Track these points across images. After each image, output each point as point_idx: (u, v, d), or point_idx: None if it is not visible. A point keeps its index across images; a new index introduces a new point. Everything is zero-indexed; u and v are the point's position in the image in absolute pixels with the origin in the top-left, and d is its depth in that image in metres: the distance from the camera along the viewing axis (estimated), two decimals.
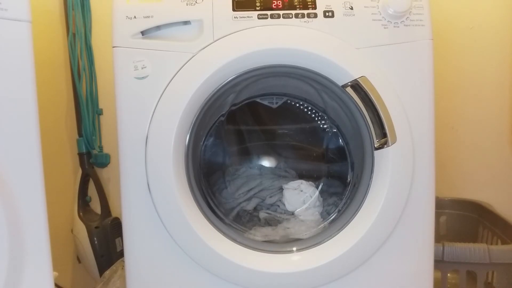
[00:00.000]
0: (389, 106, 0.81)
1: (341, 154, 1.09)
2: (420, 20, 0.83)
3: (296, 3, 0.83)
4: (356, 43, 0.83)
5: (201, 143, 1.05)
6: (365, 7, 0.83)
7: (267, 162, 1.15)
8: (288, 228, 0.99)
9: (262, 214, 1.04)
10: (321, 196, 1.06)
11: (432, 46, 0.84)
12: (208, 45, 0.82)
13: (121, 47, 0.82)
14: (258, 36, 0.82)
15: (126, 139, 0.83)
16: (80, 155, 1.28)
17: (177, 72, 0.81)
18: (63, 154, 1.28)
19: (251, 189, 1.07)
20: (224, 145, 1.12)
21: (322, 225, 0.97)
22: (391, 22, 0.83)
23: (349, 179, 1.04)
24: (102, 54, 1.30)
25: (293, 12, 0.83)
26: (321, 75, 0.84)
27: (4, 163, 0.64)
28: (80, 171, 1.28)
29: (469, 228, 1.30)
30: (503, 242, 1.11)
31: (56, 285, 0.79)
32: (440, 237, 1.27)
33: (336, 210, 1.00)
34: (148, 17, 0.82)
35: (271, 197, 1.06)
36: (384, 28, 0.83)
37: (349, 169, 1.04)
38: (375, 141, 0.83)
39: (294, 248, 0.88)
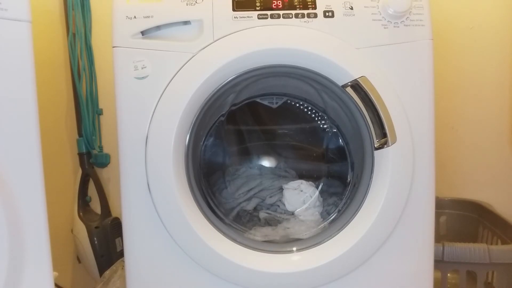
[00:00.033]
0: (389, 106, 0.81)
1: (341, 154, 1.09)
2: (420, 20, 0.83)
3: (296, 3, 0.83)
4: (356, 43, 0.83)
5: (201, 143, 1.05)
6: (365, 7, 0.83)
7: (267, 162, 1.15)
8: (288, 228, 0.99)
9: (262, 214, 1.04)
10: (321, 196, 1.06)
11: (432, 46, 0.84)
12: (208, 45, 0.82)
13: (121, 47, 0.82)
14: (258, 36, 0.82)
15: (126, 139, 0.83)
16: (80, 155, 1.28)
17: (177, 72, 0.81)
18: (63, 154, 1.28)
19: (251, 189, 1.07)
20: (224, 145, 1.12)
21: (322, 225, 0.97)
22: (391, 22, 0.83)
23: (349, 179, 1.04)
24: (102, 54, 1.30)
25: (293, 12, 0.83)
26: (321, 75, 0.84)
27: (4, 163, 0.64)
28: (80, 171, 1.28)
29: (469, 228, 1.30)
30: (503, 242, 1.11)
31: (56, 285, 0.79)
32: (440, 237, 1.27)
33: (336, 210, 1.00)
34: (148, 17, 0.82)
35: (271, 197, 1.06)
36: (384, 28, 0.83)
37: (349, 169, 1.04)
38: (375, 141, 0.83)
39: (294, 248, 0.88)
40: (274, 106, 1.10)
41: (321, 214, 1.02)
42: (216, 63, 0.80)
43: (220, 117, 1.05)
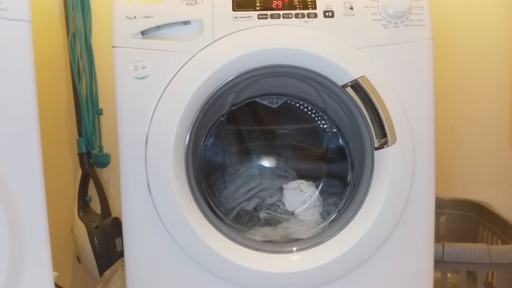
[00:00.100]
0: (389, 106, 0.81)
1: (341, 154, 1.09)
2: (420, 20, 0.83)
3: (296, 3, 0.83)
4: (356, 43, 0.83)
5: (201, 143, 1.05)
6: (365, 7, 0.83)
7: (267, 162, 1.15)
8: (288, 228, 0.99)
9: (262, 214, 1.04)
10: (321, 196, 1.06)
11: (432, 46, 0.84)
12: (208, 45, 0.82)
13: (121, 47, 0.82)
14: (258, 36, 0.82)
15: (126, 139, 0.83)
16: (80, 155, 1.28)
17: (177, 72, 0.81)
18: (63, 154, 1.28)
19: (251, 189, 1.07)
20: (224, 145, 1.12)
21: (322, 225, 0.97)
22: (391, 22, 0.83)
23: (349, 179, 1.04)
24: (102, 54, 1.30)
25: (293, 12, 0.83)
26: (321, 75, 0.84)
27: (4, 163, 0.64)
28: (80, 171, 1.28)
29: (469, 228, 1.30)
30: (503, 242, 1.11)
31: (56, 285, 0.79)
32: (440, 237, 1.27)
33: (336, 210, 1.00)
34: (148, 17, 0.82)
35: (271, 197, 1.06)
36: (384, 28, 0.83)
37: (349, 169, 1.04)
38: (375, 141, 0.83)
39: (294, 248, 0.88)
40: (274, 106, 1.10)
41: (321, 214, 1.02)
42: (216, 63, 0.80)
43: (220, 117, 1.05)
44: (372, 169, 0.85)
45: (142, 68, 0.82)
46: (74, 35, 1.24)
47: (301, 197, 1.04)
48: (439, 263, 0.97)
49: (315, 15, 0.83)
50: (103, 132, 1.32)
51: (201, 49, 0.82)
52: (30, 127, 0.67)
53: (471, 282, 1.04)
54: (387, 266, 0.86)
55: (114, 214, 1.31)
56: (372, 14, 0.83)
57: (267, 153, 1.16)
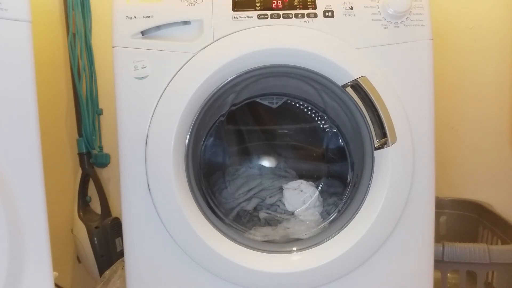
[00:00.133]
0: (389, 106, 0.81)
1: (341, 154, 1.09)
2: (420, 20, 0.83)
3: (296, 3, 0.83)
4: (356, 43, 0.83)
5: (201, 143, 1.05)
6: (365, 7, 0.83)
7: (267, 162, 1.15)
8: (288, 228, 0.99)
9: (262, 214, 1.04)
10: (321, 196, 1.06)
11: (432, 46, 0.84)
12: (208, 45, 0.82)
13: (121, 47, 0.82)
14: (258, 36, 0.82)
15: (126, 139, 0.83)
16: (80, 155, 1.28)
17: (177, 72, 0.81)
18: (63, 154, 1.28)
19: (251, 189, 1.07)
20: (224, 145, 1.12)
21: (322, 225, 0.97)
22: (391, 22, 0.83)
23: (349, 179, 1.04)
24: (102, 54, 1.30)
25: (293, 12, 0.83)
26: (321, 75, 0.84)
27: (4, 163, 0.64)
28: (80, 171, 1.28)
29: (469, 228, 1.30)
30: (503, 242, 1.11)
31: (56, 285, 0.79)
32: (440, 237, 1.27)
33: (336, 210, 1.00)
34: (148, 17, 0.82)
35: (271, 197, 1.06)
36: (384, 28, 0.83)
37: (349, 169, 1.04)
38: (375, 141, 0.83)
39: (294, 248, 0.88)
40: (274, 106, 1.10)
41: (321, 214, 1.02)
42: (216, 63, 0.80)
43: (220, 117, 1.05)
44: (372, 169, 0.85)
45: (142, 68, 0.82)
46: (74, 35, 1.24)
47: (301, 197, 1.04)
48: (439, 263, 0.97)
49: (315, 15, 0.83)
50: (103, 132, 1.32)
51: (201, 49, 0.82)
52: (30, 127, 0.67)
53: (471, 282, 1.04)
54: (387, 266, 0.86)
55: (114, 214, 1.31)
56: (372, 14, 0.83)
57: (267, 153, 1.16)
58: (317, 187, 1.07)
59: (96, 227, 1.24)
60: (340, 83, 0.83)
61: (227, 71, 0.81)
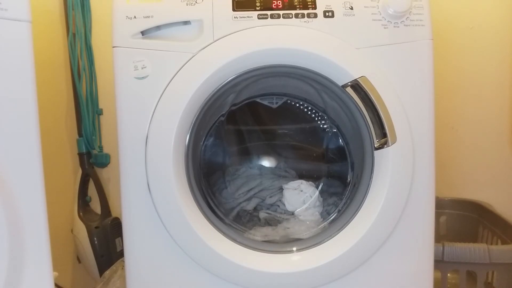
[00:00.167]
0: (389, 106, 0.81)
1: (341, 154, 1.09)
2: (420, 20, 0.83)
3: (296, 3, 0.83)
4: (356, 43, 0.83)
5: (201, 143, 1.05)
6: (365, 7, 0.83)
7: (267, 162, 1.15)
8: (288, 228, 0.99)
9: (262, 214, 1.04)
10: (321, 196, 1.06)
11: (432, 46, 0.84)
12: (208, 45, 0.82)
13: (121, 47, 0.82)
14: (258, 36, 0.82)
15: (126, 139, 0.83)
16: (80, 155, 1.28)
17: (177, 72, 0.81)
18: (63, 154, 1.28)
19: (251, 189, 1.07)
20: (224, 145, 1.12)
21: (322, 225, 0.97)
22: (391, 22, 0.83)
23: (349, 179, 1.04)
24: (102, 54, 1.30)
25: (293, 12, 0.83)
26: (321, 75, 0.84)
27: (4, 163, 0.64)
28: (80, 171, 1.28)
29: (469, 228, 1.30)
30: (503, 242, 1.11)
31: (56, 285, 0.79)
32: (440, 237, 1.27)
33: (336, 210, 1.00)
34: (148, 17, 0.82)
35: (271, 197, 1.06)
36: (384, 28, 0.83)
37: (349, 169, 1.04)
38: (375, 141, 0.83)
39: (294, 248, 0.88)
40: (274, 106, 1.10)
41: (321, 214, 1.02)
42: (216, 63, 0.80)
43: (220, 117, 1.05)
44: (372, 169, 0.85)
45: (142, 68, 0.82)
46: (74, 35, 1.24)
47: (301, 197, 1.04)
48: (439, 263, 0.97)
49: (315, 15, 0.83)
50: (103, 132, 1.32)
51: (201, 49, 0.82)
52: (30, 127, 0.67)
53: (471, 282, 1.04)
54: (387, 266, 0.86)
55: (114, 214, 1.31)
56: (372, 14, 0.83)
57: (267, 153, 1.16)
58: (317, 187, 1.07)
59: (96, 227, 1.24)
60: (340, 83, 0.83)
61: (227, 71, 0.81)
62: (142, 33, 0.83)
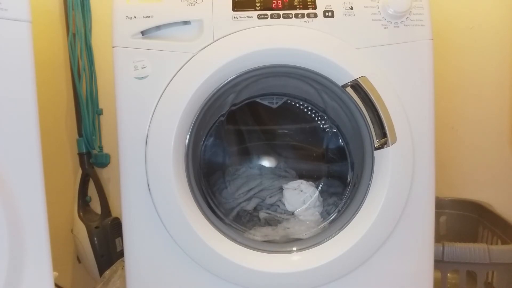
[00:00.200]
0: (389, 106, 0.81)
1: (341, 154, 1.09)
2: (420, 20, 0.83)
3: (296, 3, 0.83)
4: (356, 43, 0.83)
5: (201, 143, 1.05)
6: (365, 7, 0.83)
7: (267, 162, 1.15)
8: (288, 228, 0.99)
9: (262, 214, 1.04)
10: (321, 196, 1.06)
11: (432, 46, 0.84)
12: (208, 45, 0.82)
13: (121, 47, 0.82)
14: (258, 36, 0.82)
15: (126, 139, 0.83)
16: (80, 155, 1.28)
17: (177, 72, 0.81)
18: (63, 154, 1.28)
19: (251, 189, 1.07)
20: (224, 145, 1.12)
21: (322, 225, 0.97)
22: (391, 22, 0.83)
23: (349, 179, 1.04)
24: (102, 54, 1.30)
25: (293, 12, 0.83)
26: (321, 75, 0.84)
27: (4, 163, 0.64)
28: (80, 171, 1.28)
29: (469, 228, 1.30)
30: (503, 242, 1.11)
31: (56, 285, 0.79)
32: (440, 237, 1.27)
33: (336, 210, 1.00)
34: (148, 17, 0.82)
35: (271, 197, 1.06)
36: (384, 28, 0.83)
37: (349, 169, 1.04)
38: (375, 141, 0.83)
39: (294, 248, 0.88)
40: (274, 106, 1.10)
41: (321, 214, 1.02)
42: (216, 63, 0.80)
43: (220, 117, 1.05)
44: (372, 169, 0.85)
45: (142, 68, 0.82)
46: (74, 35, 1.24)
47: (301, 197, 1.04)
48: (439, 263, 0.97)
49: (315, 15, 0.83)
50: (103, 132, 1.32)
51: (201, 49, 0.82)
52: (30, 127, 0.67)
53: (471, 282, 1.04)
54: (387, 266, 0.86)
55: (114, 214, 1.31)
56: (372, 14, 0.83)
57: (267, 153, 1.16)
58: (317, 187, 1.07)
59: (96, 227, 1.24)
60: (340, 83, 0.83)
61: (227, 71, 0.81)
62: (142, 33, 0.83)
